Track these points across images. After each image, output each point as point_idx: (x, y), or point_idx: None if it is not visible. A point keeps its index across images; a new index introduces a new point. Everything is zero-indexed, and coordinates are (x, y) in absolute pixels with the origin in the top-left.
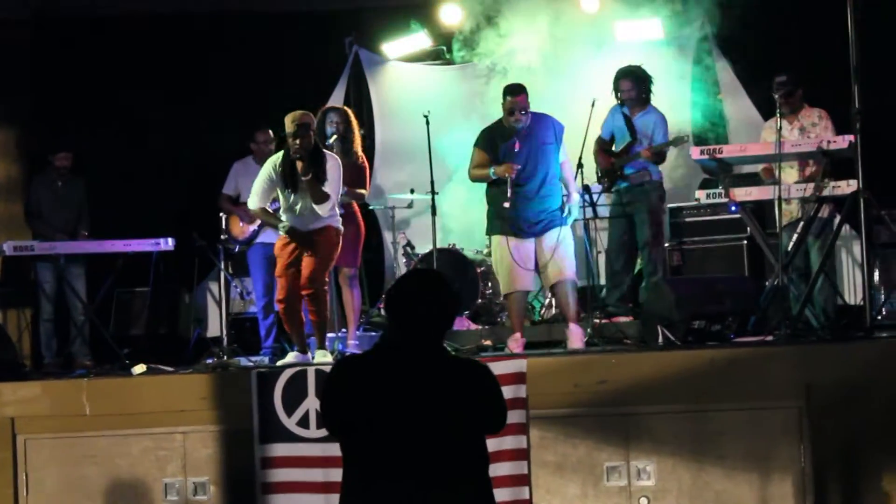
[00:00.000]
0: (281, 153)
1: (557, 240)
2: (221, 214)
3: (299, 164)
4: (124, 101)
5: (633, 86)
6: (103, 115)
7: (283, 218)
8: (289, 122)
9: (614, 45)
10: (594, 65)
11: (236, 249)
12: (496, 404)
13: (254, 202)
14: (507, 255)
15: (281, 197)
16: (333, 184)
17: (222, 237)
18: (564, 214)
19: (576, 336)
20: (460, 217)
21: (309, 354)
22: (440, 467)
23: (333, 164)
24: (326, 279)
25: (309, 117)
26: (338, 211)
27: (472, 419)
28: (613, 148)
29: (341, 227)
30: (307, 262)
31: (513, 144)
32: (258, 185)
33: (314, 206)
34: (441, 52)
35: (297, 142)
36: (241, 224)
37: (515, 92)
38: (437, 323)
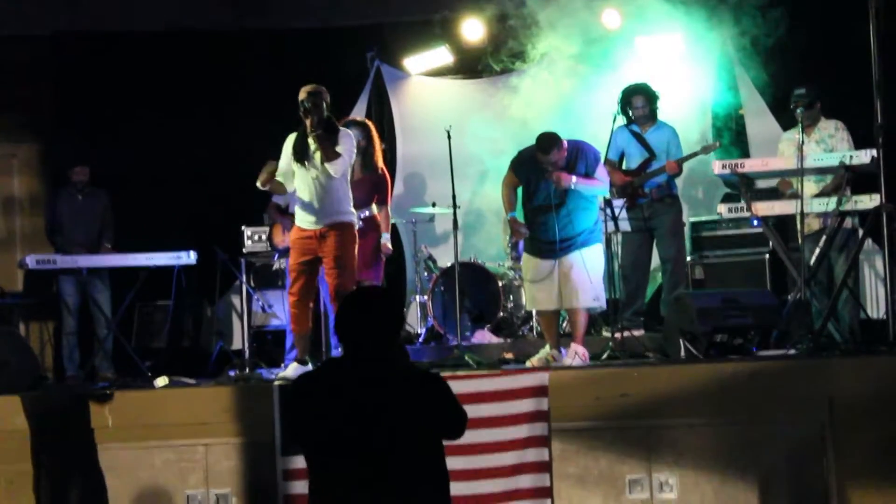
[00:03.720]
0: (297, 132)
1: (574, 264)
2: (266, 223)
3: (308, 121)
4: (147, 116)
5: (646, 102)
6: (126, 129)
7: (297, 210)
8: (302, 92)
9: (635, 60)
10: (615, 80)
11: (276, 258)
12: (449, 410)
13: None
14: (528, 273)
15: (296, 173)
16: (346, 152)
17: (260, 245)
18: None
19: (575, 353)
20: (483, 230)
21: (309, 365)
22: (395, 478)
23: (346, 136)
24: (354, 287)
25: (322, 90)
26: (355, 212)
27: (425, 428)
28: (624, 166)
29: (357, 223)
30: (330, 274)
31: (548, 181)
32: (282, 164)
33: (326, 165)
34: (472, 65)
35: (309, 102)
36: (282, 234)
37: (545, 150)
38: (377, 336)
